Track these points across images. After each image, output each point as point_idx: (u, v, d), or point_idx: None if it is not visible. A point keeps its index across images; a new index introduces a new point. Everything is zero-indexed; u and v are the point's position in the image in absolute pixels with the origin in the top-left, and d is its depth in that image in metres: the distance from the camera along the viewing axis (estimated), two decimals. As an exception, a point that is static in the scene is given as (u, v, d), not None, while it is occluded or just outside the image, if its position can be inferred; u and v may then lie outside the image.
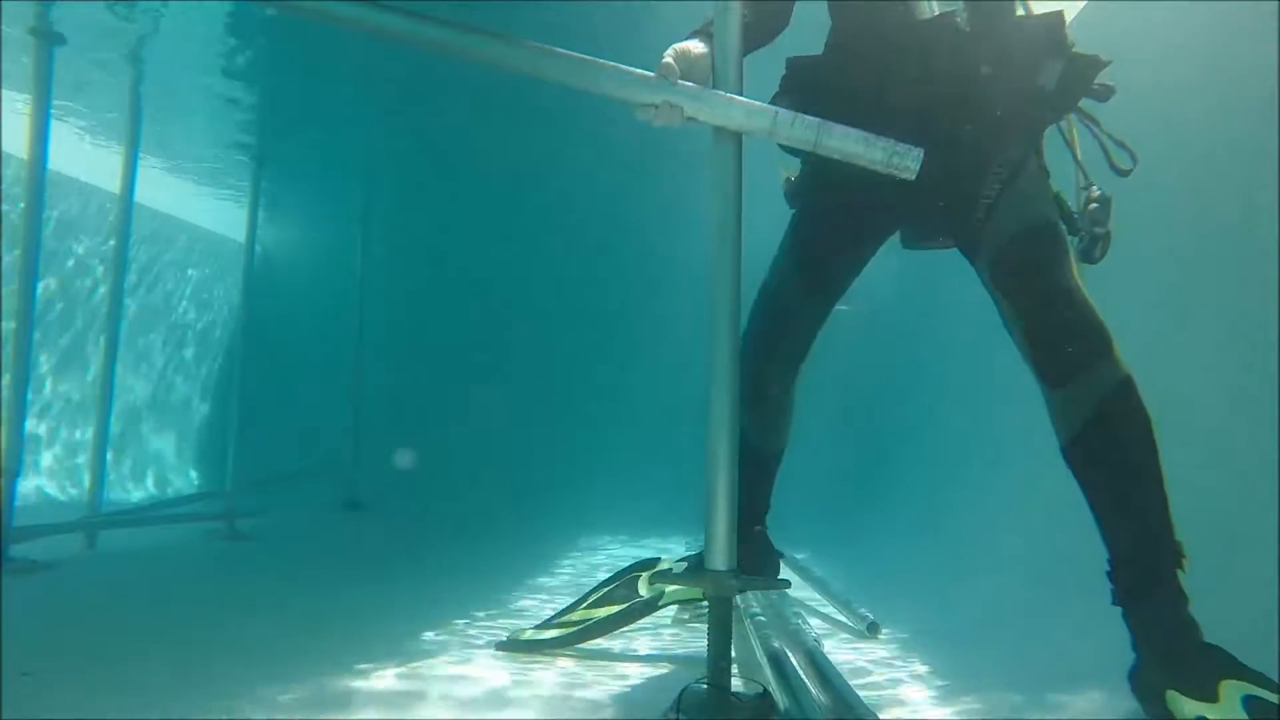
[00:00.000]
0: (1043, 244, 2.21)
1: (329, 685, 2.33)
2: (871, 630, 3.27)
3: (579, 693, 2.38)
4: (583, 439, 10.05)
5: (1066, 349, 2.11)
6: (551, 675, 2.66)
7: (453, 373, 10.58)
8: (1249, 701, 1.72)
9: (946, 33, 2.19)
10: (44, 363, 8.05)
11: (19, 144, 4.73)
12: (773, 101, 2.33)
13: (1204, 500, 2.55)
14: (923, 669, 2.68)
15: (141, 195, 6.43)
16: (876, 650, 3.14)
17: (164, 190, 8.73)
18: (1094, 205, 2.37)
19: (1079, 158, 2.45)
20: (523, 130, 7.08)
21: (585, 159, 7.75)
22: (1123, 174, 2.37)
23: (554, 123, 6.81)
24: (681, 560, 2.93)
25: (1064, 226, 2.29)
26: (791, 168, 2.67)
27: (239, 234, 7.93)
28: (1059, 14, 2.20)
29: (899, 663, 2.85)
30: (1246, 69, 2.59)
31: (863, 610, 3.46)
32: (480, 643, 3.00)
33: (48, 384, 8.07)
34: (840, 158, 1.96)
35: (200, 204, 9.52)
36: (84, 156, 7.65)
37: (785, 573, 4.95)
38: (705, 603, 2.01)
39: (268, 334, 8.62)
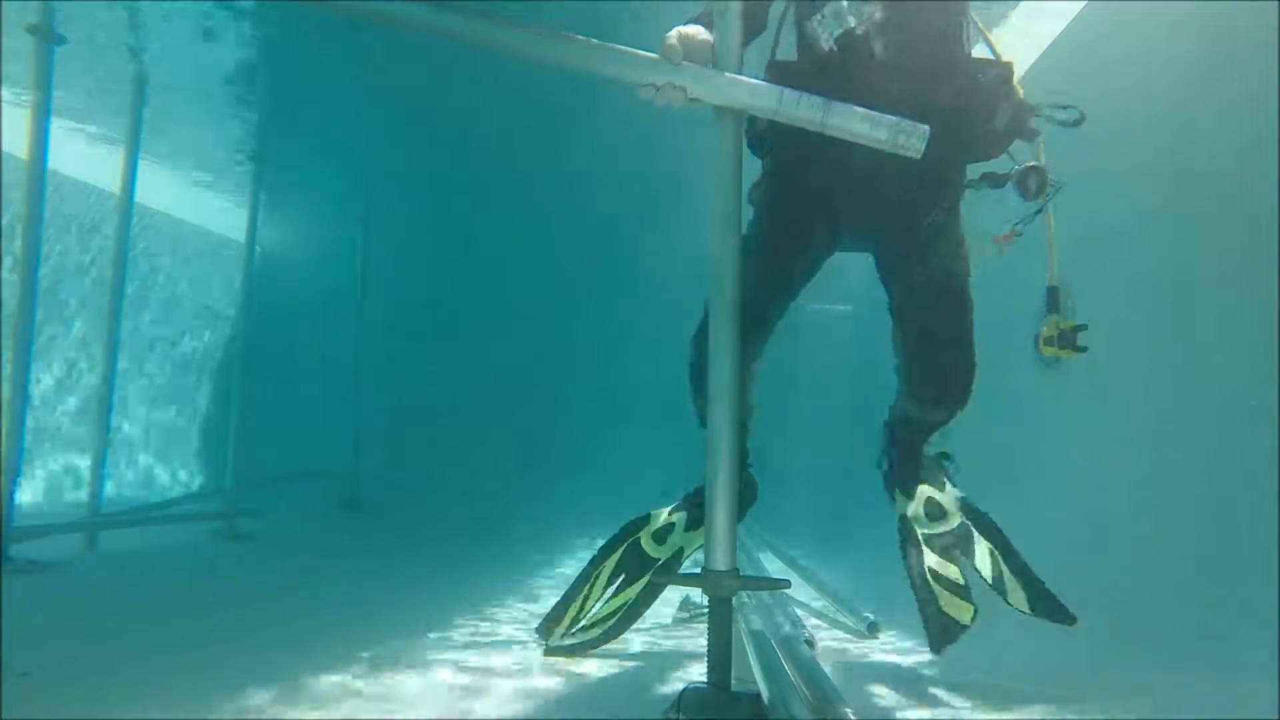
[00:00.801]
0: (953, 308, 2.48)
1: (329, 683, 2.33)
2: (871, 630, 3.28)
3: (580, 692, 2.38)
4: (583, 439, 10.04)
5: (939, 395, 2.55)
6: (552, 674, 2.66)
7: (453, 373, 10.57)
8: (929, 501, 2.73)
9: (907, 76, 2.30)
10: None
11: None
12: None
13: (1204, 499, 2.55)
14: (922, 669, 2.68)
15: (141, 195, 6.42)
16: (876, 650, 3.14)
17: (163, 190, 8.73)
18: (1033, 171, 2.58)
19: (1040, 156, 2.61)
20: (523, 131, 7.08)
21: (586, 159, 7.75)
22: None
23: (554, 124, 6.81)
24: (673, 510, 2.89)
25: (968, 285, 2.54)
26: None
27: (239, 234, 7.93)
28: (1010, 65, 2.45)
29: (899, 662, 2.84)
30: (1247, 69, 2.59)
31: (863, 611, 3.46)
32: (480, 642, 3.00)
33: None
34: (846, 137, 1.96)
35: (201, 204, 9.52)
36: (91, 160, 7.65)
37: (785, 572, 4.97)
38: (703, 602, 2.01)
39: (268, 334, 8.62)
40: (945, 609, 2.51)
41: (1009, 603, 2.50)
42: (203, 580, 4.41)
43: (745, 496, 2.78)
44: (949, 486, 2.83)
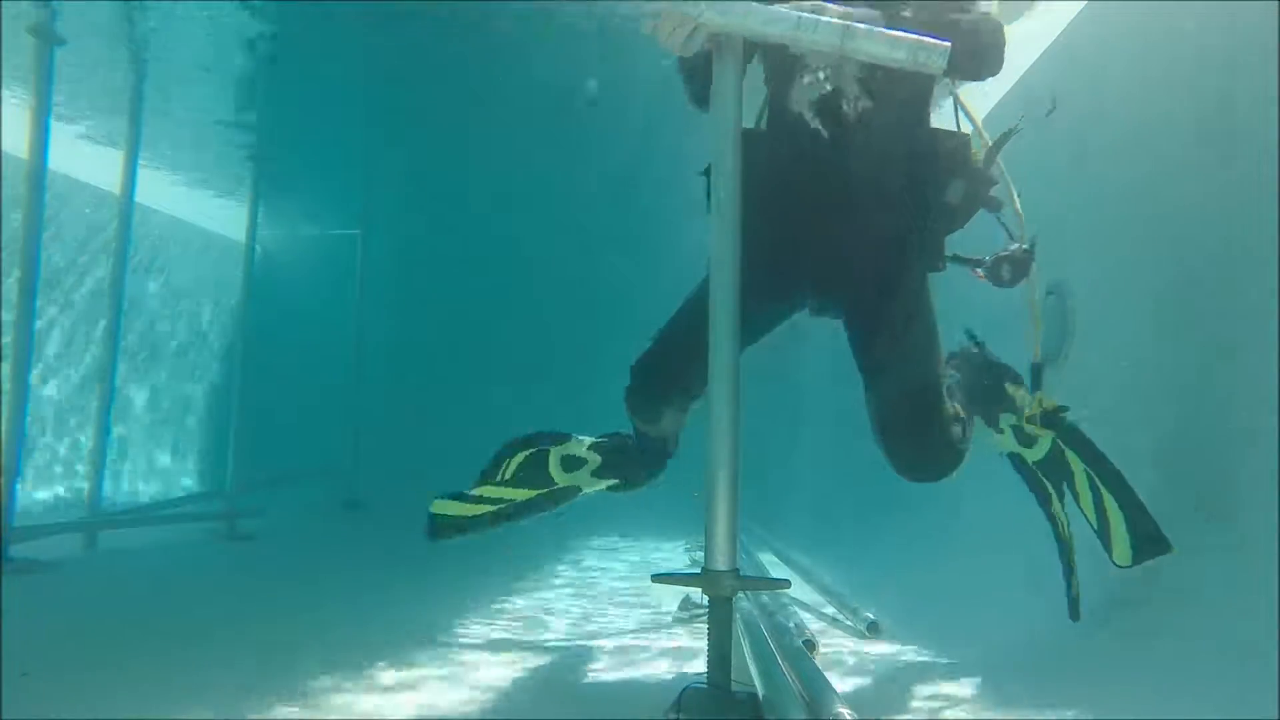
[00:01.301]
0: (926, 402, 2.44)
1: (329, 683, 2.33)
2: (872, 630, 3.28)
3: (580, 691, 2.39)
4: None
5: (919, 477, 2.52)
6: (552, 674, 2.67)
7: (452, 372, 10.58)
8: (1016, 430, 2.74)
9: (867, 144, 2.32)
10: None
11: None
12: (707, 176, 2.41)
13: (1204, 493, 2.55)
14: (922, 669, 2.68)
15: (140, 195, 6.43)
16: (876, 650, 3.14)
17: (163, 190, 8.73)
18: (1015, 252, 2.62)
19: (1018, 207, 2.63)
20: (523, 132, 7.08)
21: (585, 160, 7.75)
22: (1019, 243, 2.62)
23: (554, 123, 6.81)
24: (592, 445, 2.93)
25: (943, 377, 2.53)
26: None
27: (239, 233, 7.93)
28: (966, 138, 2.47)
29: (899, 662, 2.85)
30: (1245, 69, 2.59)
31: (863, 611, 3.47)
32: (480, 642, 3.01)
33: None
34: (866, 59, 1.94)
35: (200, 203, 9.51)
36: (84, 160, 7.65)
37: (785, 572, 4.98)
38: (703, 601, 2.01)
39: (268, 334, 8.62)
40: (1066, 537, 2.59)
41: (1114, 561, 2.52)
42: (203, 580, 4.41)
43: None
44: (1023, 397, 2.78)
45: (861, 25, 1.87)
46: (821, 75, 2.27)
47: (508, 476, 2.91)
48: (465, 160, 8.14)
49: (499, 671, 2.62)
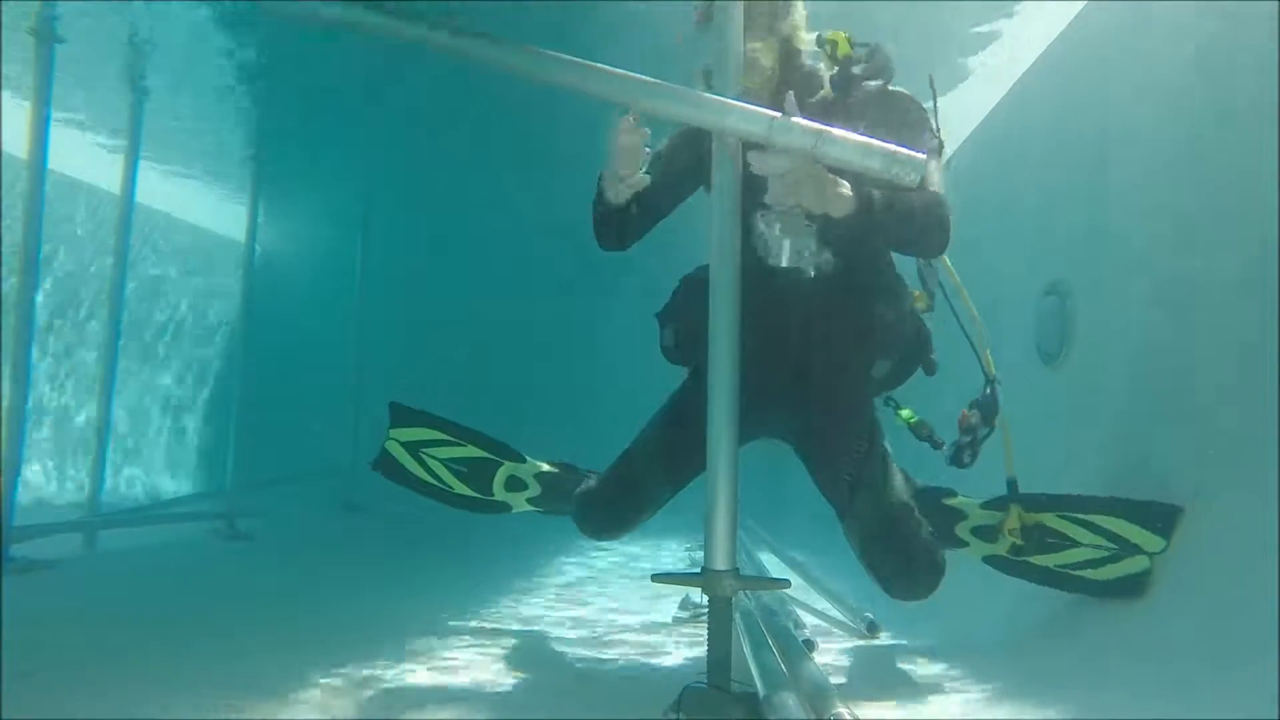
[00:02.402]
0: (904, 533, 2.45)
1: (328, 684, 2.33)
2: (871, 630, 3.28)
3: (579, 691, 2.39)
4: (584, 441, 10.03)
5: (907, 597, 2.49)
6: (552, 673, 2.67)
7: (452, 373, 10.58)
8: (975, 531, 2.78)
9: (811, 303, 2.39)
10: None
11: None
12: (660, 321, 2.65)
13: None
14: (922, 669, 2.68)
15: (140, 194, 6.42)
16: (876, 650, 3.14)
17: (163, 190, 8.72)
18: (972, 419, 2.69)
19: (988, 368, 2.71)
20: (524, 133, 7.08)
21: (586, 161, 7.74)
22: (991, 379, 2.69)
23: (555, 125, 6.81)
24: (542, 474, 3.07)
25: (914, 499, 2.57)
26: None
27: (239, 233, 7.93)
28: (907, 310, 2.54)
29: (899, 662, 2.84)
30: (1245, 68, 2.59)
31: (863, 611, 3.46)
32: (480, 642, 3.01)
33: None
34: (839, 165, 1.95)
35: (201, 203, 9.51)
36: (86, 158, 7.64)
37: (785, 572, 4.98)
38: (703, 601, 2.01)
39: (268, 334, 8.62)
40: (1104, 577, 2.56)
41: (1152, 553, 2.50)
42: (203, 580, 4.41)
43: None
44: (967, 503, 2.83)
45: (836, 130, 1.89)
46: (775, 223, 2.14)
47: (459, 457, 3.13)
48: (466, 160, 8.14)
49: (499, 671, 2.62)
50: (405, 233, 10.08)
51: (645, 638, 3.29)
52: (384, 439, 3.20)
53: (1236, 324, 2.53)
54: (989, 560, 2.79)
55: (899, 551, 2.43)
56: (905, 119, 2.33)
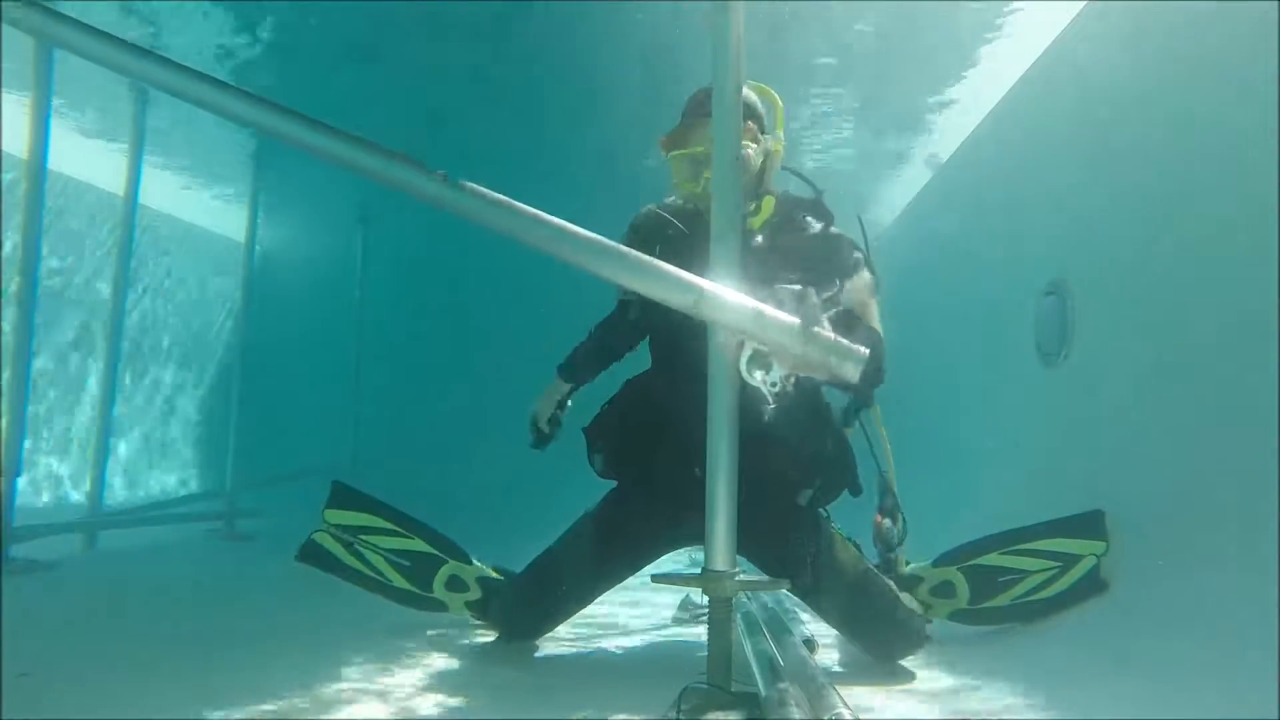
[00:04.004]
0: (870, 598, 2.63)
1: (328, 684, 2.33)
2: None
3: (579, 692, 2.38)
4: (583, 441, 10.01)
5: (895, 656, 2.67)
6: (552, 674, 2.67)
7: (452, 374, 10.57)
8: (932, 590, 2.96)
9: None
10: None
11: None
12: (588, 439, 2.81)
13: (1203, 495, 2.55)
14: (921, 669, 2.68)
15: (140, 195, 6.42)
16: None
17: (162, 190, 8.71)
18: (884, 526, 2.94)
19: (892, 482, 2.95)
20: (524, 132, 7.09)
21: (586, 163, 7.75)
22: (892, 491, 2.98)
23: (555, 128, 6.82)
24: (486, 579, 3.04)
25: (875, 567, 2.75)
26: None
27: (239, 233, 7.93)
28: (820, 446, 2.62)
29: (899, 662, 2.84)
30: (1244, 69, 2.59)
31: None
32: (481, 642, 3.01)
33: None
34: (816, 370, 1.81)
35: (200, 203, 9.50)
36: (86, 157, 7.64)
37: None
38: (703, 601, 2.02)
39: (268, 334, 8.62)
40: (1060, 589, 2.75)
41: (1101, 558, 2.71)
42: (203, 580, 4.40)
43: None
44: (920, 567, 3.00)
45: (823, 331, 1.79)
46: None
47: (401, 549, 3.07)
48: (466, 160, 8.14)
49: (499, 671, 2.62)
50: (405, 233, 10.07)
51: (645, 638, 3.29)
52: (317, 523, 3.10)
53: (1237, 324, 2.53)
54: (954, 616, 2.94)
55: (875, 627, 2.63)
56: (844, 262, 2.45)
